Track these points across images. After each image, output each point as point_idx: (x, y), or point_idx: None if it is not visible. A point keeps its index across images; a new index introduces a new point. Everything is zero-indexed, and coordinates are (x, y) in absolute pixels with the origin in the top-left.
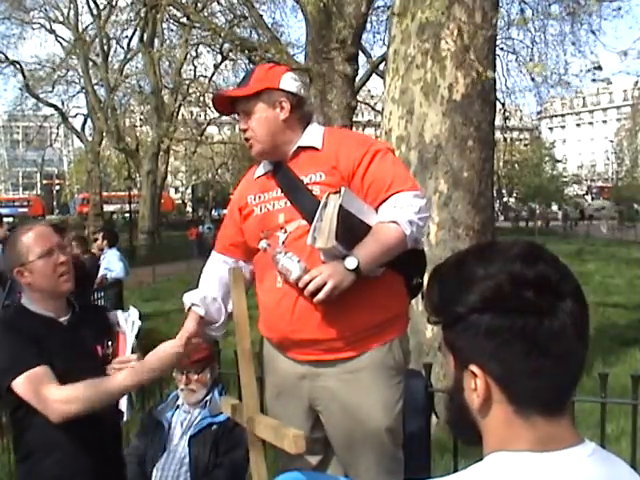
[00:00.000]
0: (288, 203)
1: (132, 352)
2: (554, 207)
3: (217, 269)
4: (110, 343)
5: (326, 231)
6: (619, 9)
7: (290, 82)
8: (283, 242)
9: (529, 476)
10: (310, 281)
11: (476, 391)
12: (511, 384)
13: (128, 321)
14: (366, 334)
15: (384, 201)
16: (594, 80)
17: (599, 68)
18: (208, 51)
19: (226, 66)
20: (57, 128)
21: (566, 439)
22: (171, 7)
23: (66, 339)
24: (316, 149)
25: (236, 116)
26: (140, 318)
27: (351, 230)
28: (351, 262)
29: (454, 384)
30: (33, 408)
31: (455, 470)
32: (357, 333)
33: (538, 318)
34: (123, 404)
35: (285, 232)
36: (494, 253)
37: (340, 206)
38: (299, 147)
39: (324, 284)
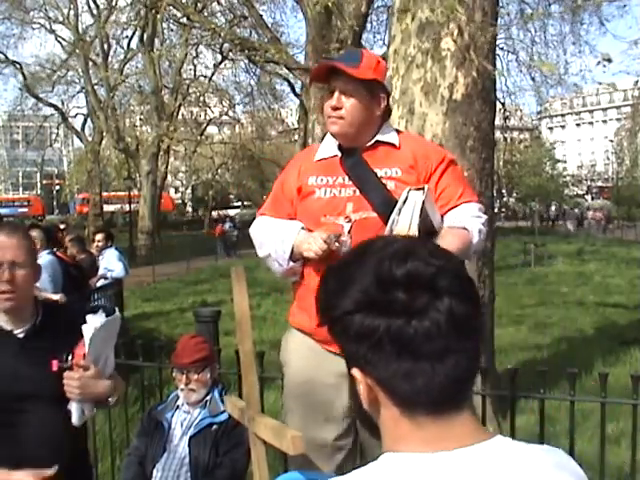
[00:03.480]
0: (357, 192)
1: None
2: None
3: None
4: (70, 357)
5: (407, 224)
6: (624, 7)
7: (389, 81)
8: (349, 231)
9: (418, 477)
10: None
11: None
12: (390, 387)
13: (91, 329)
14: None
15: (454, 207)
16: (600, 83)
17: (609, 60)
18: (208, 51)
19: (226, 66)
20: (57, 128)
21: (463, 438)
22: (171, 7)
23: (18, 354)
24: (394, 146)
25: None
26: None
27: (424, 228)
28: None
29: (350, 382)
30: None
31: None
32: None
33: (406, 319)
34: (74, 410)
35: (349, 221)
36: (368, 253)
37: (422, 203)
38: (377, 141)
39: None
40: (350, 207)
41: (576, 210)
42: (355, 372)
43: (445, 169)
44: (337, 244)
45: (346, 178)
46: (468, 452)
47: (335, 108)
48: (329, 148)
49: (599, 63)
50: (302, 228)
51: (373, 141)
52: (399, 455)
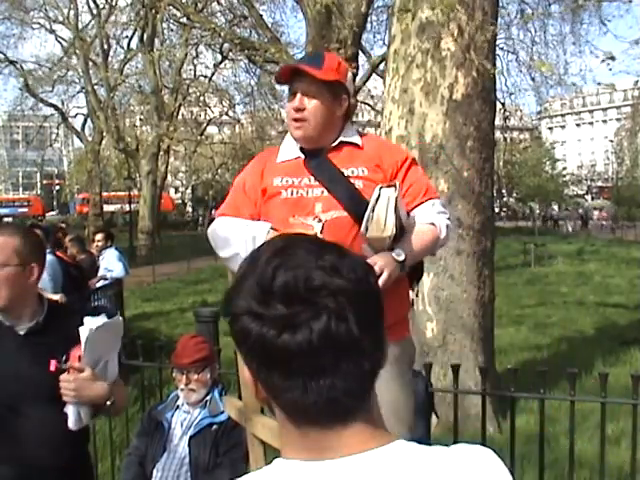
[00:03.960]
0: (325, 192)
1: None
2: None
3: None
4: (67, 359)
5: (382, 221)
6: (630, 1)
7: (351, 82)
8: (320, 232)
9: None
10: None
11: None
12: (271, 394)
13: (86, 331)
14: (392, 326)
15: (420, 204)
16: (599, 84)
17: (612, 58)
18: (208, 51)
19: (226, 66)
20: (57, 128)
21: (355, 446)
22: (171, 7)
23: (19, 352)
24: (358, 146)
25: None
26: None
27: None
28: (399, 254)
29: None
30: None
31: None
32: (388, 325)
33: (277, 331)
34: (70, 414)
35: (319, 221)
36: (262, 256)
37: (395, 199)
38: (341, 141)
39: (381, 273)
40: (319, 207)
41: (580, 210)
42: (245, 371)
43: (409, 167)
44: None
45: (312, 179)
46: (359, 459)
47: (297, 109)
48: (291, 150)
49: (603, 61)
50: (271, 228)
51: (337, 142)
52: (289, 462)
